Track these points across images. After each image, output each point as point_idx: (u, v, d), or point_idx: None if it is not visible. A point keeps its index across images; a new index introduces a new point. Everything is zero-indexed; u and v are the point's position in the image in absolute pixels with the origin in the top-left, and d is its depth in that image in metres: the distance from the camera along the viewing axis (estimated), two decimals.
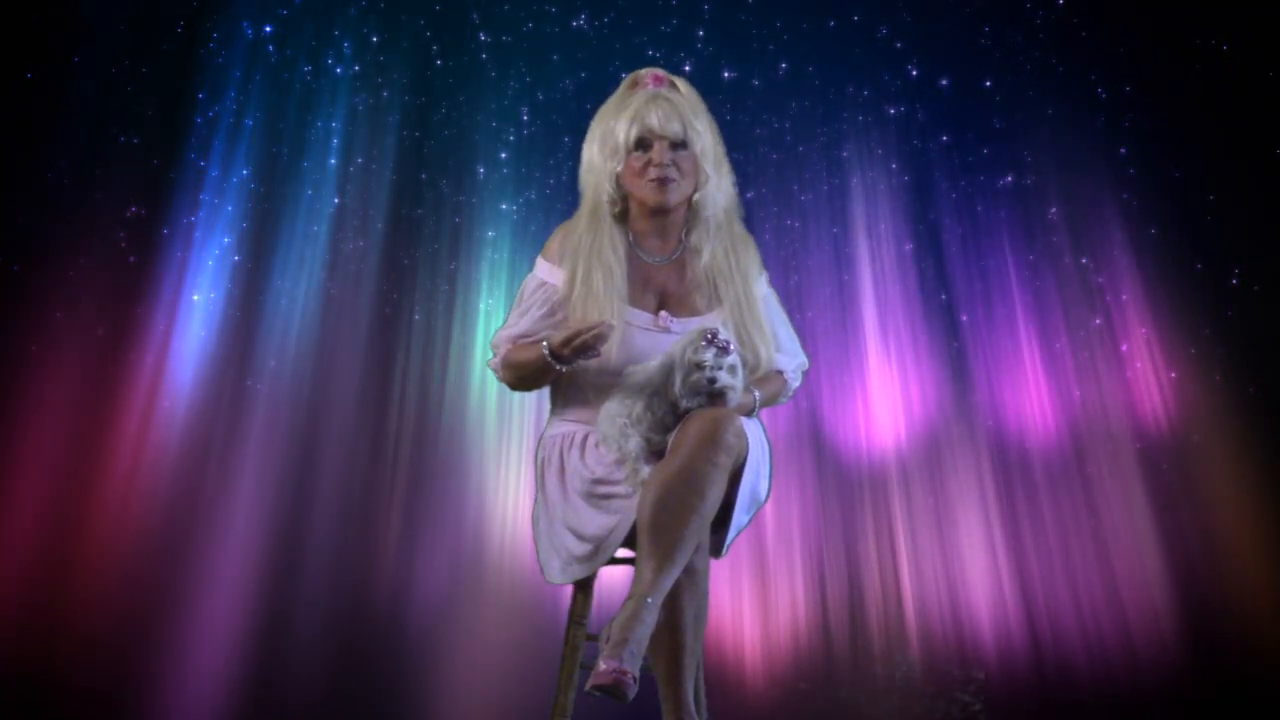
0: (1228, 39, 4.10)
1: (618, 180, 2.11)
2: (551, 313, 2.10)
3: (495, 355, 2.15)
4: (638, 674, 1.67)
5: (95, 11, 3.84)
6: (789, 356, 2.21)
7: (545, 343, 2.01)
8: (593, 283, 2.06)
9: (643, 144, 2.08)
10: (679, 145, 2.08)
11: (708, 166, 2.11)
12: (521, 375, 2.10)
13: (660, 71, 2.14)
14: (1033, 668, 3.75)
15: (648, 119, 2.06)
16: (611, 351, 2.04)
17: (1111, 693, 3.64)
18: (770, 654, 3.90)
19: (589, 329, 1.94)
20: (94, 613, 3.46)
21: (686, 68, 4.27)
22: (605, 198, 2.12)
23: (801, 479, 4.06)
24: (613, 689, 1.64)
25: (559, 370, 2.03)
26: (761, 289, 2.20)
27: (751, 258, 2.20)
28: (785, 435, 4.04)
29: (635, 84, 2.14)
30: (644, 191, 2.10)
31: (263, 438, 3.79)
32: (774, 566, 4.00)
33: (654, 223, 2.16)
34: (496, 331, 2.16)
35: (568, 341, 1.96)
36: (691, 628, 1.88)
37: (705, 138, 2.10)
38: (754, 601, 3.95)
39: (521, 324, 2.11)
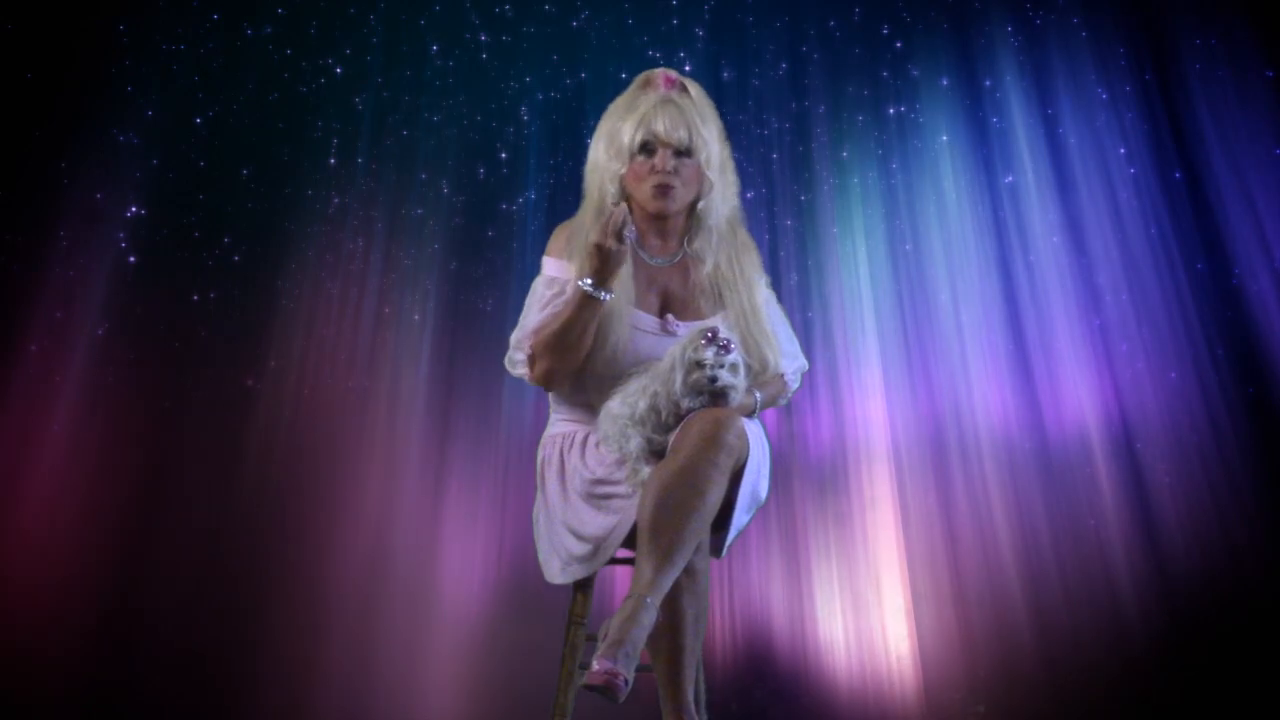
0: (1227, 38, 4.10)
1: (621, 182, 2.12)
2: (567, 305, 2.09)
3: (518, 352, 2.12)
4: (631, 675, 1.67)
5: (94, 11, 3.84)
6: (789, 359, 2.22)
7: (575, 279, 2.01)
8: None
9: (647, 149, 2.08)
10: (683, 153, 2.08)
11: (712, 174, 2.11)
12: (559, 340, 2.03)
13: (673, 73, 2.13)
14: (1033, 670, 3.75)
15: (654, 124, 2.06)
16: (619, 347, 2.04)
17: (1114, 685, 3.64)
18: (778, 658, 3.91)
19: (606, 219, 1.94)
20: (93, 614, 3.46)
21: (687, 68, 4.27)
22: (609, 198, 2.12)
23: (789, 482, 4.06)
24: (604, 689, 1.64)
25: (602, 301, 1.99)
26: (763, 293, 2.21)
27: (754, 263, 2.21)
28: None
29: (647, 84, 2.13)
30: (644, 197, 2.10)
31: (263, 438, 3.79)
32: (782, 568, 4.00)
33: (655, 225, 2.16)
34: (513, 334, 2.13)
35: (599, 238, 1.95)
36: (692, 628, 1.88)
37: (711, 145, 2.10)
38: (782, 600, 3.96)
39: (544, 317, 2.10)
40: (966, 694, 3.73)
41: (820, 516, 4.04)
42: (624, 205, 2.00)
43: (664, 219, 2.14)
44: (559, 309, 2.05)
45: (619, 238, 1.94)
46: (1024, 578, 3.86)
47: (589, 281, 1.98)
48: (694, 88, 2.13)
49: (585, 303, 2.00)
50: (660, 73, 2.13)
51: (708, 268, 2.15)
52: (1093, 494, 3.92)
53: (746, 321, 2.12)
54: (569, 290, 2.06)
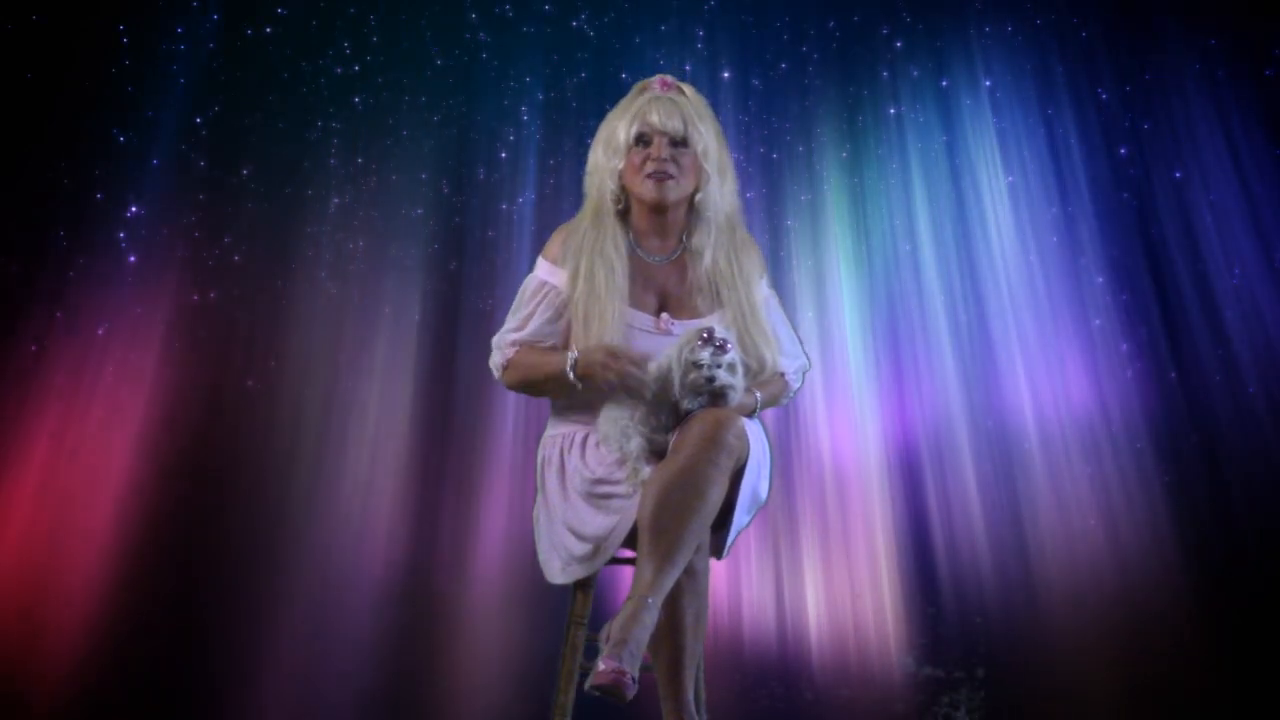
0: (1227, 38, 4.11)
1: (620, 178, 2.12)
2: (557, 315, 2.10)
3: (497, 354, 2.14)
4: (637, 674, 1.67)
5: (94, 12, 3.84)
6: (790, 359, 2.21)
7: (571, 356, 2.01)
8: (595, 280, 2.07)
9: (642, 139, 2.09)
10: (679, 143, 2.09)
11: (709, 166, 2.11)
12: (530, 381, 2.10)
13: (669, 78, 2.16)
14: (1032, 666, 3.75)
15: (649, 115, 2.08)
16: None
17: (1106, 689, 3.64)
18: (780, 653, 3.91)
19: (629, 366, 1.95)
20: (90, 613, 3.46)
21: (687, 68, 4.27)
22: (608, 195, 2.13)
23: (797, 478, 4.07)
24: (612, 689, 1.64)
25: (575, 386, 2.03)
26: (763, 291, 2.20)
27: (754, 262, 2.20)
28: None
29: (643, 90, 2.15)
30: (642, 188, 2.10)
31: (263, 439, 3.79)
32: (786, 563, 4.00)
33: (654, 221, 2.16)
34: (498, 332, 2.15)
35: (606, 365, 1.96)
36: (692, 628, 1.88)
37: (708, 139, 2.11)
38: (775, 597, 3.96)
39: (528, 328, 2.10)
40: (964, 680, 3.74)
41: (820, 514, 4.04)
42: (649, 374, 1.97)
43: (663, 214, 2.14)
44: (545, 360, 2.08)
45: (621, 378, 1.96)
46: (1025, 575, 3.87)
47: (572, 369, 2.01)
48: (690, 90, 2.15)
49: (564, 378, 2.03)
50: (657, 78, 2.15)
51: (706, 263, 2.14)
52: (1093, 493, 3.92)
53: (744, 320, 2.12)
54: (555, 300, 2.08)
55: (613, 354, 1.97)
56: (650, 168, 2.08)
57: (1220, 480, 3.82)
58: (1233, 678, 3.54)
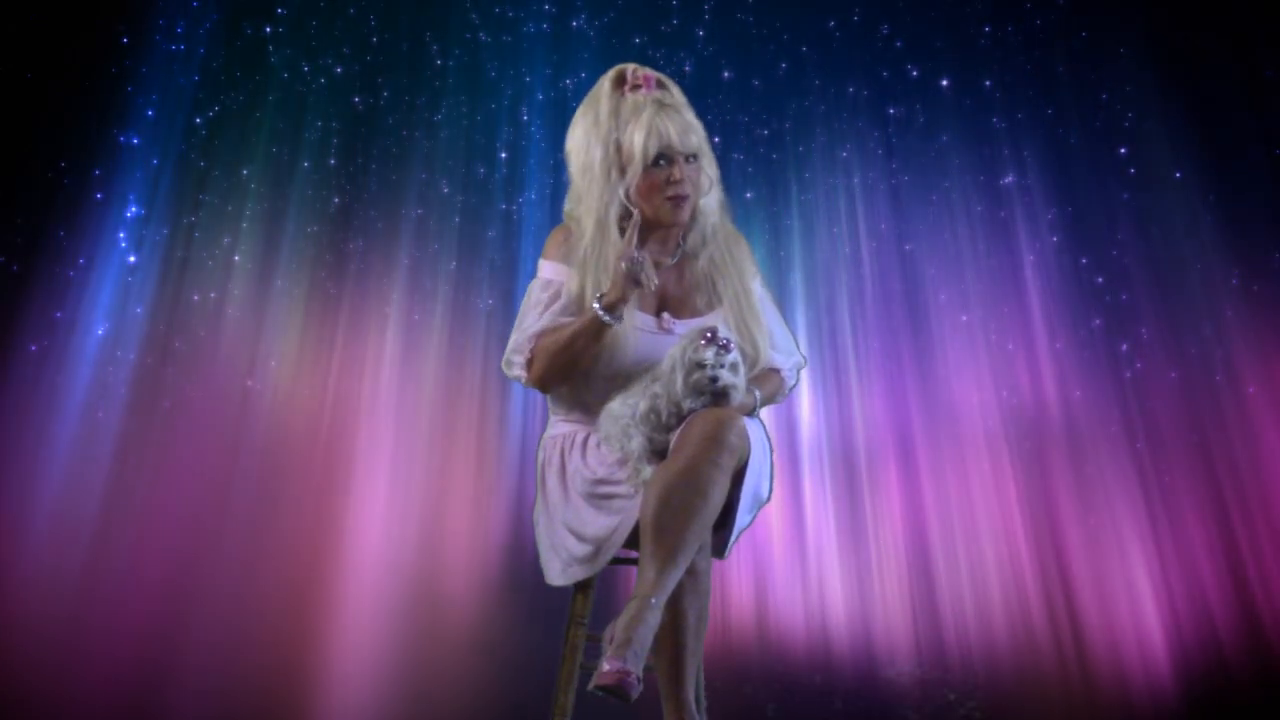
0: (1227, 39, 4.11)
1: (627, 192, 2.07)
2: (566, 311, 2.08)
3: (518, 356, 2.10)
4: (641, 674, 1.67)
5: (94, 11, 3.84)
6: (785, 355, 2.20)
7: (595, 301, 1.98)
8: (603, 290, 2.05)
9: (661, 160, 2.05)
10: (692, 158, 2.07)
11: (710, 171, 2.11)
12: (559, 349, 2.03)
13: (647, 70, 2.09)
14: (1025, 668, 3.75)
15: (667, 134, 2.02)
16: (617, 347, 2.04)
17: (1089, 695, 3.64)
18: (777, 653, 3.91)
19: (628, 261, 1.94)
20: (87, 612, 3.46)
21: (687, 68, 4.27)
22: (613, 212, 2.08)
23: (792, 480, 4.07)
24: (616, 689, 1.64)
25: (609, 325, 1.99)
26: (756, 288, 2.20)
27: (745, 255, 2.20)
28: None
29: (623, 82, 2.09)
30: (661, 210, 2.06)
31: (263, 437, 3.79)
32: (781, 564, 4.00)
33: (660, 231, 2.14)
34: (512, 337, 2.11)
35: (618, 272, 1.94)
36: (693, 628, 1.88)
37: (704, 142, 2.09)
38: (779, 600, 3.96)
39: (543, 320, 2.08)
40: (961, 690, 3.74)
41: (823, 511, 4.04)
42: (641, 258, 1.98)
43: (675, 226, 2.12)
44: (568, 322, 2.03)
45: (636, 280, 1.95)
46: (1023, 574, 3.86)
47: (600, 306, 1.98)
48: (669, 83, 2.12)
49: (595, 323, 1.99)
50: (636, 72, 2.07)
51: (702, 261, 2.14)
52: (1093, 493, 3.92)
53: (740, 307, 2.12)
54: (564, 294, 2.05)
55: (626, 269, 1.95)
56: (672, 191, 2.05)
57: (1221, 480, 3.82)
58: (1231, 678, 3.54)
